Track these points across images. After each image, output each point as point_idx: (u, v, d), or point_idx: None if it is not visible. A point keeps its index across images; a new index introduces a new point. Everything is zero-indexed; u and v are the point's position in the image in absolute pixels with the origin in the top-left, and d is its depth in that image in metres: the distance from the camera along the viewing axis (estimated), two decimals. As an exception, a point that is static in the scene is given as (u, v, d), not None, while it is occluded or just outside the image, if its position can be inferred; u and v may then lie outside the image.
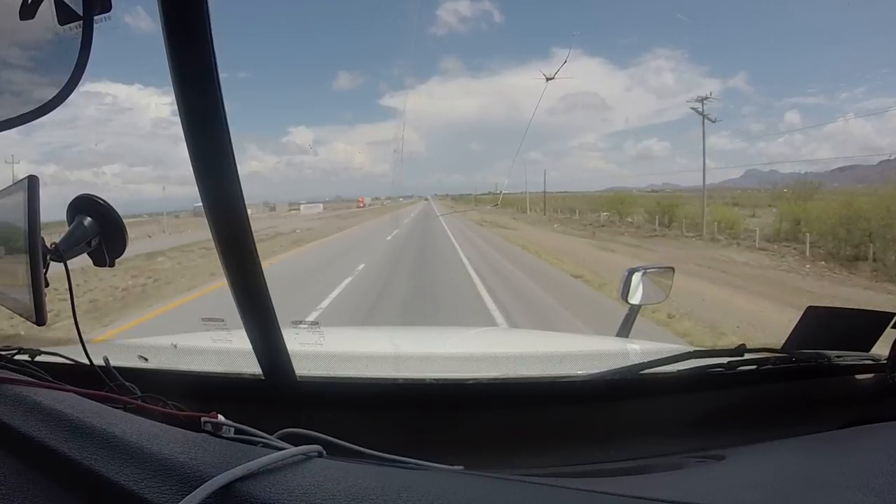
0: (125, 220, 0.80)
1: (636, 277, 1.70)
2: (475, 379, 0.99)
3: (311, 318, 6.12)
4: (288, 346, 0.83)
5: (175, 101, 0.65)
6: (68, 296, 0.79)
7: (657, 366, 0.95)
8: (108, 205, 0.78)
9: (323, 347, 1.22)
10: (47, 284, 0.69)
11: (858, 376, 1.03)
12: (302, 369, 0.89)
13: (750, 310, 7.93)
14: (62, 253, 0.72)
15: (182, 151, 0.67)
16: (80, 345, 0.82)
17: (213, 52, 0.63)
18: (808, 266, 15.17)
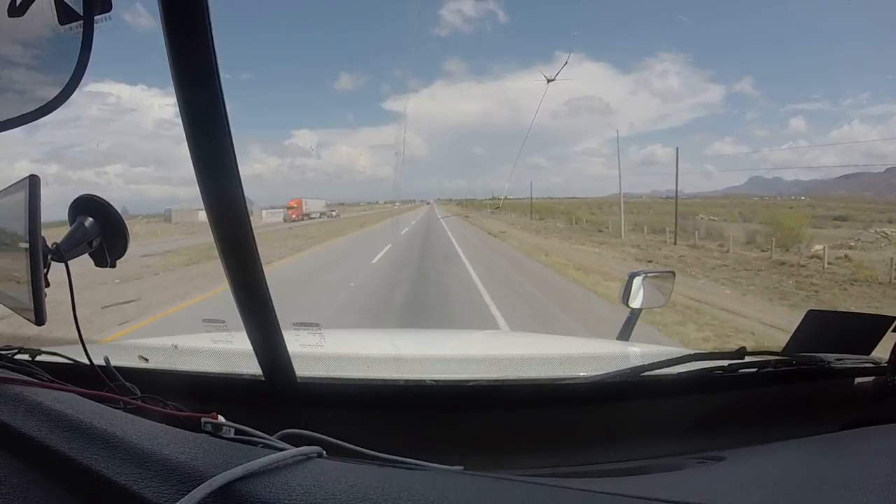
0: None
1: (637, 282, 1.70)
2: (475, 380, 0.99)
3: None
4: (288, 348, 0.83)
5: (177, 102, 0.65)
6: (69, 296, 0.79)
7: (658, 368, 0.95)
8: (110, 205, 0.78)
9: (323, 349, 1.22)
10: (48, 284, 0.69)
11: (859, 379, 1.03)
12: (302, 370, 0.89)
13: None
14: (63, 253, 0.72)
15: (184, 151, 0.67)
16: (80, 345, 0.82)
17: (214, 52, 0.63)
18: None
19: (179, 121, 0.66)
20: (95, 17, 0.66)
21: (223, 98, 0.65)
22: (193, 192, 0.69)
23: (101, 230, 0.77)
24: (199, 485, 0.49)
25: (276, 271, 11.15)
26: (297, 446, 0.60)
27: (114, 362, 0.84)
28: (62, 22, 0.65)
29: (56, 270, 0.72)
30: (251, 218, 0.71)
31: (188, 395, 0.80)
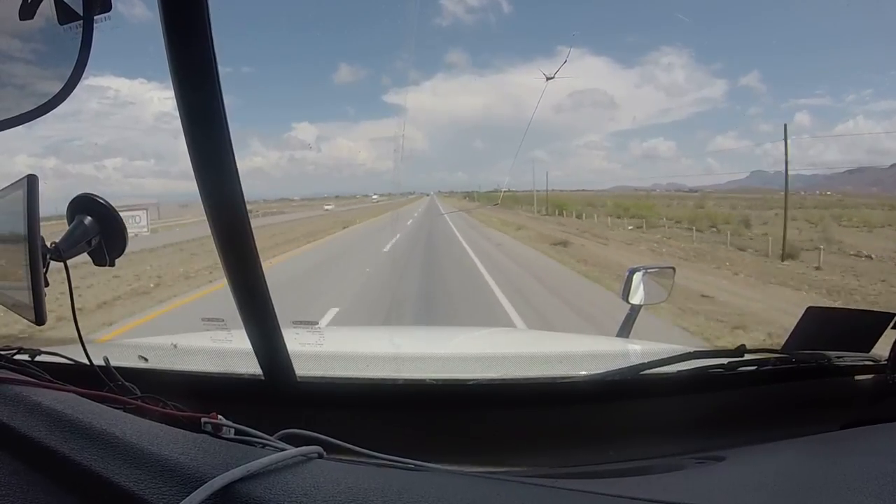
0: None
1: (637, 277, 1.70)
2: (475, 379, 0.99)
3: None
4: (288, 347, 0.83)
5: (175, 98, 0.65)
6: (68, 295, 0.79)
7: (657, 366, 0.95)
8: (108, 204, 0.78)
9: (323, 348, 1.22)
10: (47, 284, 0.69)
11: (858, 377, 1.03)
12: (302, 370, 0.89)
13: None
14: (62, 252, 0.72)
15: (183, 146, 0.67)
16: (80, 345, 0.82)
17: (213, 49, 0.63)
18: None
19: (178, 114, 0.65)
20: (95, 18, 0.66)
21: (222, 97, 0.65)
22: (192, 186, 0.69)
23: (100, 229, 0.77)
24: (199, 486, 0.49)
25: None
26: (296, 446, 0.60)
27: (113, 362, 0.84)
28: (62, 22, 0.65)
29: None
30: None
31: (188, 395, 0.80)
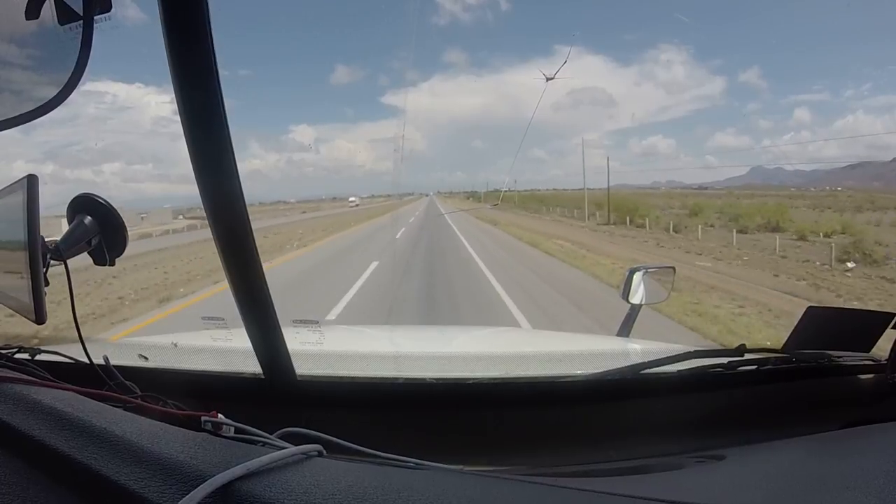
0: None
1: (637, 277, 1.69)
2: (475, 378, 0.99)
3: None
4: (288, 346, 0.83)
5: (175, 100, 0.65)
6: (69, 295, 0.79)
7: (657, 366, 0.95)
8: (108, 204, 0.78)
9: (323, 347, 1.22)
10: (47, 283, 0.69)
11: (859, 377, 1.03)
12: (302, 369, 0.89)
13: None
14: (62, 252, 0.72)
15: (182, 149, 0.67)
16: (80, 344, 0.82)
17: (213, 50, 0.63)
18: None
19: (177, 118, 0.66)
20: (95, 17, 0.66)
21: (222, 97, 0.65)
22: (192, 189, 0.69)
23: (100, 229, 0.77)
24: (199, 484, 0.49)
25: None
26: (296, 445, 0.60)
27: (113, 361, 0.84)
28: (62, 22, 0.65)
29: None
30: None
31: (188, 394, 0.80)
